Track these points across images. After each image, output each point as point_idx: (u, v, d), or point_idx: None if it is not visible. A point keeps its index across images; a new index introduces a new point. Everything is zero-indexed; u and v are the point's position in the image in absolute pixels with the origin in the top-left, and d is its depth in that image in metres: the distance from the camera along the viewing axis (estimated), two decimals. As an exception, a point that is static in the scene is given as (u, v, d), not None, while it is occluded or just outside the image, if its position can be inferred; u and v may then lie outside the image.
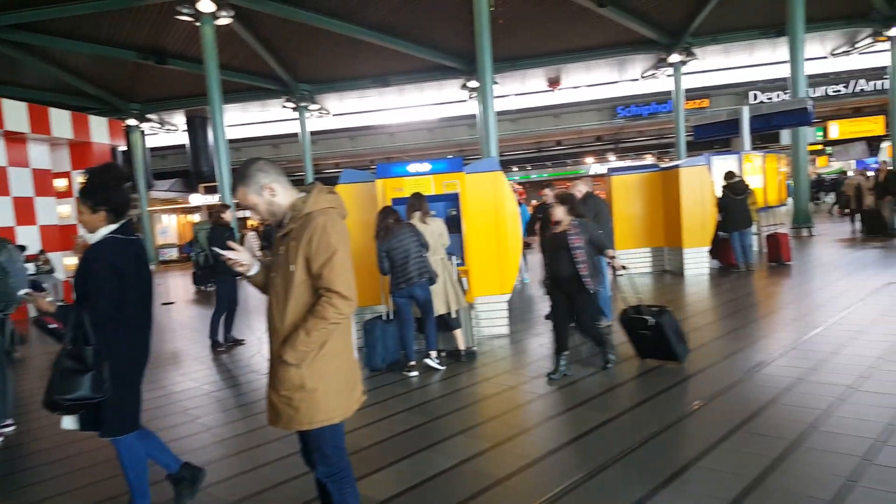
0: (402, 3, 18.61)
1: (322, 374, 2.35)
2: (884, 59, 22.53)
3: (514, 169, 39.27)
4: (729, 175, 10.68)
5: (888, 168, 15.54)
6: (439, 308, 6.04)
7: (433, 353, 5.92)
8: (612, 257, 5.43)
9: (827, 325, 6.34)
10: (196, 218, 29.70)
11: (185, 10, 16.20)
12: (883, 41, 21.91)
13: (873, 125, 28.38)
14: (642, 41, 22.50)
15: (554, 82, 26.77)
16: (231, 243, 2.55)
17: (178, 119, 27.52)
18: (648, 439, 3.84)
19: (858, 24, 22.17)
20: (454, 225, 6.63)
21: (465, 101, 25.47)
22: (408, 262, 5.61)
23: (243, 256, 2.54)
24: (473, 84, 22.39)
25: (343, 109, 28.28)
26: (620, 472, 3.45)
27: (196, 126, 24.75)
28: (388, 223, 5.64)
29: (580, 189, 7.21)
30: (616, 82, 27.67)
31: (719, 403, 4.38)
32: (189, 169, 26.13)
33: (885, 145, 25.53)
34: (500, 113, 24.12)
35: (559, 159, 38.46)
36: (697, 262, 10.66)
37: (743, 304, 8.17)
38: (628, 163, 33.68)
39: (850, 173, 25.28)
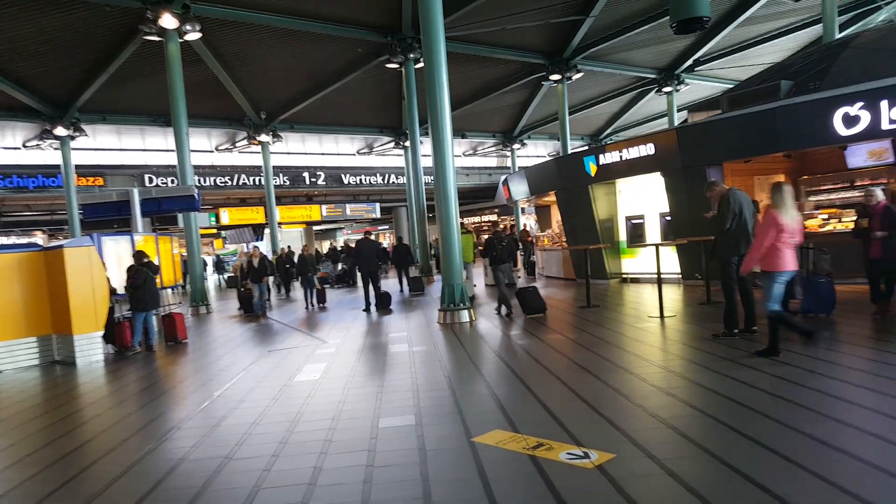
0: None
1: None
2: (260, 159, 26.70)
3: None
4: (138, 256, 10.74)
5: (262, 253, 18.24)
6: None
7: None
8: None
9: (213, 398, 6.71)
10: None
11: None
12: (256, 144, 26.07)
13: (256, 214, 33.05)
14: (22, 108, 20.07)
15: None
16: None
17: None
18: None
19: (236, 127, 25.78)
20: None
21: None
22: None
23: None
24: None
25: None
26: None
27: None
28: None
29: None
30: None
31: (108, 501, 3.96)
32: None
33: (268, 231, 29.99)
34: None
35: None
36: (90, 349, 9.85)
37: (139, 386, 7.97)
38: (12, 240, 28.96)
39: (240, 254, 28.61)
